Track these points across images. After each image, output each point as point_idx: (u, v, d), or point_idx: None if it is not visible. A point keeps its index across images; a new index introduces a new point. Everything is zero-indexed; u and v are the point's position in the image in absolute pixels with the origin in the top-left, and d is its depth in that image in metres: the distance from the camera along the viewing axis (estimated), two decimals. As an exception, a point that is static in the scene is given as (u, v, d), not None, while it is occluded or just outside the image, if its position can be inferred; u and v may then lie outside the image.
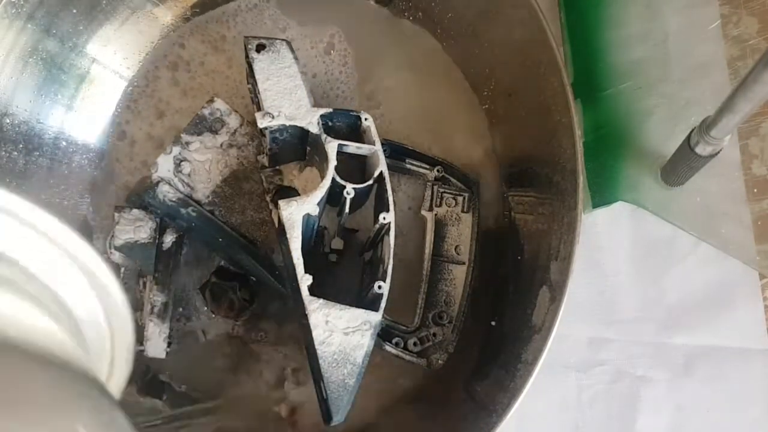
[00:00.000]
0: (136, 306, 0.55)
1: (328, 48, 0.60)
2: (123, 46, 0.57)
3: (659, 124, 0.57)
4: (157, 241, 0.52)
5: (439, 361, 0.54)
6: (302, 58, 0.56)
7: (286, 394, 0.57)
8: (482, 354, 0.54)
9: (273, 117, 0.49)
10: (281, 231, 0.48)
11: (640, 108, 0.57)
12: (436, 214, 0.56)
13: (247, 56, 0.51)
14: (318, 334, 0.44)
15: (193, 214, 0.53)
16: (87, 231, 0.57)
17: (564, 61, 0.48)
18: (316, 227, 0.52)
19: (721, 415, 0.60)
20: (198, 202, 0.54)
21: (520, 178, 0.57)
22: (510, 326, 0.52)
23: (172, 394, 0.56)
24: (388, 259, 0.48)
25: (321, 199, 0.48)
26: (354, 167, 0.52)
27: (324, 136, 0.49)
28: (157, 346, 0.51)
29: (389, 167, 0.51)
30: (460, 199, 0.57)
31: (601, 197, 0.57)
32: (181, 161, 0.54)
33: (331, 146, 0.49)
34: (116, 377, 0.30)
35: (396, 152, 0.57)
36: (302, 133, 0.50)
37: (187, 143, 0.55)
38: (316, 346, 0.44)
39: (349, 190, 0.49)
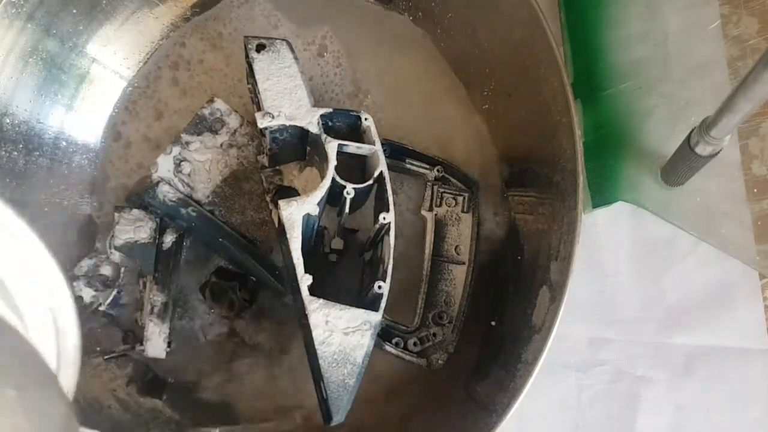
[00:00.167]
0: (137, 306, 0.55)
1: (321, 50, 0.60)
2: (123, 46, 0.57)
3: (659, 124, 0.57)
4: (157, 241, 0.52)
5: (439, 361, 0.54)
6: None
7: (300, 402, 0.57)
8: (482, 354, 0.54)
9: (273, 117, 0.49)
10: (281, 231, 0.48)
11: (640, 108, 0.57)
12: (436, 214, 0.56)
13: (247, 56, 0.51)
14: (318, 334, 0.44)
15: (193, 214, 0.53)
16: (91, 231, 0.57)
17: (564, 61, 0.48)
18: (316, 227, 0.52)
19: (721, 415, 0.60)
20: (198, 202, 0.54)
21: (520, 178, 0.57)
22: (510, 326, 0.52)
23: (172, 394, 0.56)
24: (388, 259, 0.48)
25: (321, 199, 0.48)
26: (354, 167, 0.52)
27: (324, 136, 0.49)
28: (157, 346, 0.51)
29: (389, 167, 0.51)
30: (460, 199, 0.57)
31: (601, 197, 0.57)
32: (181, 161, 0.54)
33: (331, 146, 0.49)
34: (64, 376, 0.30)
35: (396, 152, 0.57)
36: (302, 133, 0.50)
37: (187, 143, 0.55)
38: (316, 346, 0.44)
39: (349, 190, 0.49)
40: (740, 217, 0.56)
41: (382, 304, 0.47)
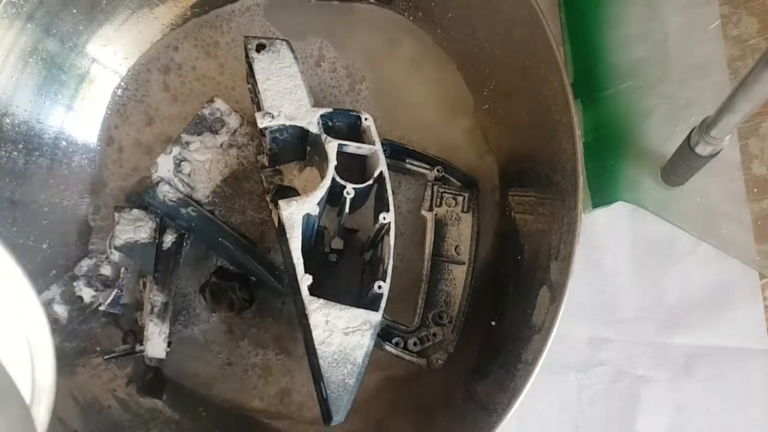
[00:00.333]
0: (137, 306, 0.55)
1: (318, 60, 0.60)
2: (123, 46, 0.57)
3: (659, 124, 0.57)
4: (157, 241, 0.52)
5: (439, 361, 0.54)
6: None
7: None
8: (482, 354, 0.54)
9: (273, 117, 0.49)
10: (281, 231, 0.48)
11: (640, 108, 0.57)
12: (436, 214, 0.56)
13: (247, 56, 0.51)
14: (318, 334, 0.44)
15: (193, 214, 0.53)
16: (87, 232, 0.57)
17: (564, 61, 0.48)
18: (316, 227, 0.52)
19: (721, 415, 0.60)
20: (198, 202, 0.54)
21: (520, 178, 0.57)
22: (510, 326, 0.52)
23: (172, 394, 0.56)
24: (388, 259, 0.48)
25: (321, 199, 0.48)
26: (354, 167, 0.52)
27: (324, 136, 0.49)
28: (157, 346, 0.51)
29: (389, 167, 0.51)
30: (460, 199, 0.57)
31: (601, 197, 0.57)
32: (181, 161, 0.54)
33: (331, 146, 0.49)
34: (37, 405, 0.29)
35: (396, 152, 0.57)
36: (302, 133, 0.50)
37: (187, 143, 0.55)
38: (316, 346, 0.44)
39: (349, 190, 0.49)
40: (740, 217, 0.56)
41: (382, 304, 0.47)
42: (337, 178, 0.48)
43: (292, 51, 0.51)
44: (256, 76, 0.50)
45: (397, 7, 0.60)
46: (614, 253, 0.61)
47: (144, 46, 0.58)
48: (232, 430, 0.57)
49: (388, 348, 0.53)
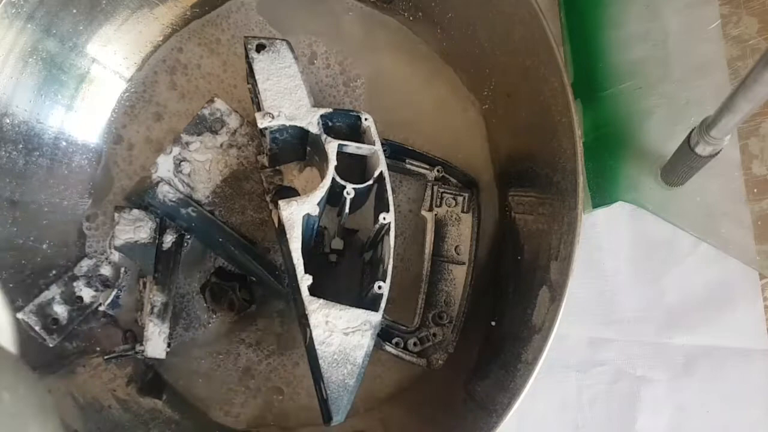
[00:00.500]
0: (136, 306, 0.55)
1: (311, 58, 0.60)
2: (123, 47, 0.57)
3: (659, 124, 0.56)
4: (157, 241, 0.52)
5: (439, 361, 0.54)
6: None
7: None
8: (482, 354, 0.54)
9: (273, 117, 0.49)
10: (281, 231, 0.48)
11: (640, 108, 0.57)
12: (436, 214, 0.56)
13: (247, 56, 0.51)
14: (318, 334, 0.44)
15: (193, 214, 0.53)
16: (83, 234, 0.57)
17: (564, 61, 0.48)
18: (316, 227, 0.52)
19: (721, 415, 0.60)
20: (198, 202, 0.54)
21: (520, 178, 0.57)
22: (510, 326, 0.52)
23: (172, 394, 0.56)
24: (388, 259, 0.48)
25: (321, 199, 0.48)
26: (354, 167, 0.51)
27: (324, 136, 0.49)
28: (157, 347, 0.51)
29: (389, 167, 0.51)
30: (460, 199, 0.57)
31: (601, 197, 0.57)
32: (181, 161, 0.54)
33: (331, 146, 0.49)
34: None
35: (396, 152, 0.57)
36: (302, 133, 0.50)
37: (187, 143, 0.55)
38: (316, 346, 0.44)
39: (349, 190, 0.49)
40: (740, 217, 0.56)
41: (382, 304, 0.47)
42: (337, 178, 0.48)
43: (292, 51, 0.51)
44: (256, 76, 0.50)
45: (396, 6, 0.60)
46: (614, 253, 0.61)
47: (144, 46, 0.58)
48: (232, 430, 0.57)
49: (388, 348, 0.53)
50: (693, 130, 0.49)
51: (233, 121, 0.56)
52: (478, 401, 0.51)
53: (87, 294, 0.54)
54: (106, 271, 0.55)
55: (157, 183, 0.53)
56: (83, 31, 0.53)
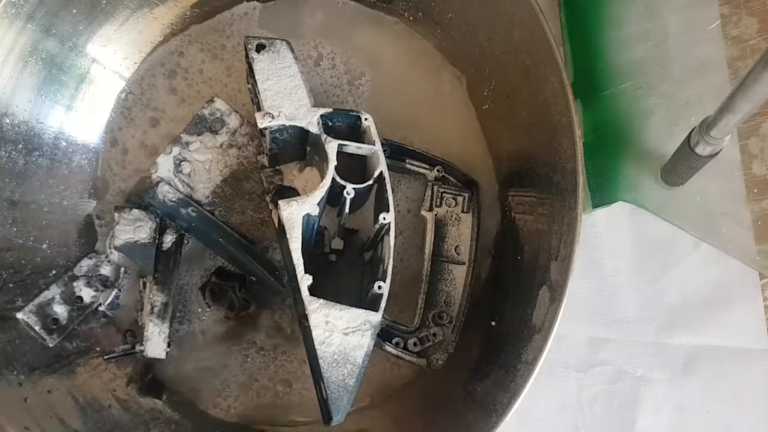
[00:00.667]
0: (136, 306, 0.55)
1: (317, 59, 0.60)
2: (123, 47, 0.57)
3: (659, 124, 0.56)
4: (157, 241, 0.52)
5: (439, 361, 0.54)
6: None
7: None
8: (482, 354, 0.54)
9: (273, 117, 0.49)
10: (281, 231, 0.48)
11: (640, 108, 0.57)
12: (436, 214, 0.56)
13: (247, 56, 0.51)
14: (318, 334, 0.44)
15: (193, 214, 0.53)
16: (87, 232, 0.57)
17: (564, 61, 0.48)
18: (316, 227, 0.52)
19: (721, 415, 0.60)
20: (198, 202, 0.54)
21: (520, 178, 0.57)
22: (510, 326, 0.52)
23: (172, 394, 0.56)
24: (388, 259, 0.48)
25: (321, 199, 0.48)
26: (354, 167, 0.52)
27: (324, 136, 0.49)
28: (156, 347, 0.51)
29: (389, 167, 0.51)
30: (460, 199, 0.57)
31: (601, 197, 0.57)
32: (181, 161, 0.54)
33: (331, 146, 0.49)
34: None
35: (396, 152, 0.57)
36: (302, 133, 0.50)
37: (187, 143, 0.55)
38: (316, 346, 0.44)
39: (349, 190, 0.49)
40: (740, 217, 0.56)
41: (382, 304, 0.47)
42: (337, 178, 0.48)
43: (292, 51, 0.51)
44: (256, 76, 0.50)
45: (397, 6, 0.60)
46: (614, 253, 0.61)
47: (144, 46, 0.58)
48: (232, 430, 0.57)
49: (388, 348, 0.53)
50: (693, 130, 0.48)
51: (233, 121, 0.56)
52: (478, 401, 0.51)
53: (87, 294, 0.54)
54: (106, 271, 0.55)
55: (157, 183, 0.53)
56: (83, 31, 0.53)
